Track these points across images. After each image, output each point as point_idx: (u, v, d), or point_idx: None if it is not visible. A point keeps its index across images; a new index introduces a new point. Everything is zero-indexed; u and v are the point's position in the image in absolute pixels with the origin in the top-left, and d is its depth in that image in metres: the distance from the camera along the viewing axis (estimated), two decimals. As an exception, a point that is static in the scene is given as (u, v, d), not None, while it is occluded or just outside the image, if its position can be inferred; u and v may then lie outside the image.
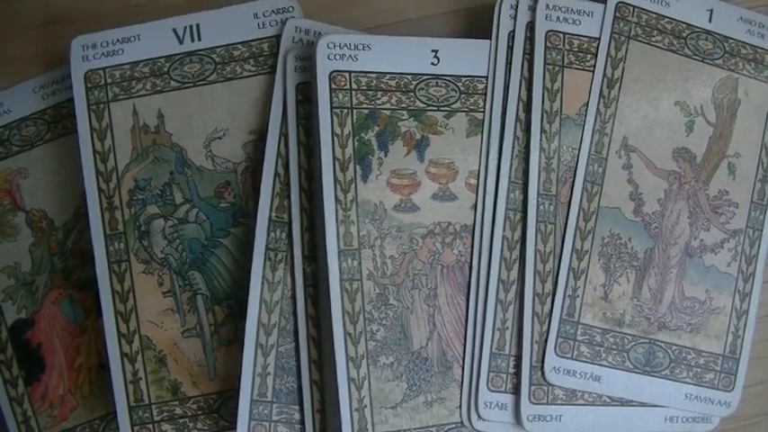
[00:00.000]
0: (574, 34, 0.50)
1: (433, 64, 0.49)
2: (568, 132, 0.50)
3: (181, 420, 0.49)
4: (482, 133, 0.50)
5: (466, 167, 0.49)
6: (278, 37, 0.50)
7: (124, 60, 0.50)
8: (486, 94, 0.50)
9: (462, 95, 0.49)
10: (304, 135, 0.49)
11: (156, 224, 0.50)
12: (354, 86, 0.48)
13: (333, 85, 0.48)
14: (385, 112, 0.49)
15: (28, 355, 0.51)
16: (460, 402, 0.49)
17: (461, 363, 0.49)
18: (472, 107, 0.50)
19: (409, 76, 0.49)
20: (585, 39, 0.51)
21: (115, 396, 0.48)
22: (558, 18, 0.50)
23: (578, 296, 0.50)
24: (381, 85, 0.49)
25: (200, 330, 0.50)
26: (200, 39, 0.50)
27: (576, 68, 0.50)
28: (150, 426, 0.49)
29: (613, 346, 0.50)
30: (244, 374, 0.47)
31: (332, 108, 0.48)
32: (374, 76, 0.49)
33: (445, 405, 0.48)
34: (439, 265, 0.49)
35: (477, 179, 0.49)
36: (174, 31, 0.50)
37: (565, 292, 0.49)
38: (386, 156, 0.48)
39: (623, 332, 0.50)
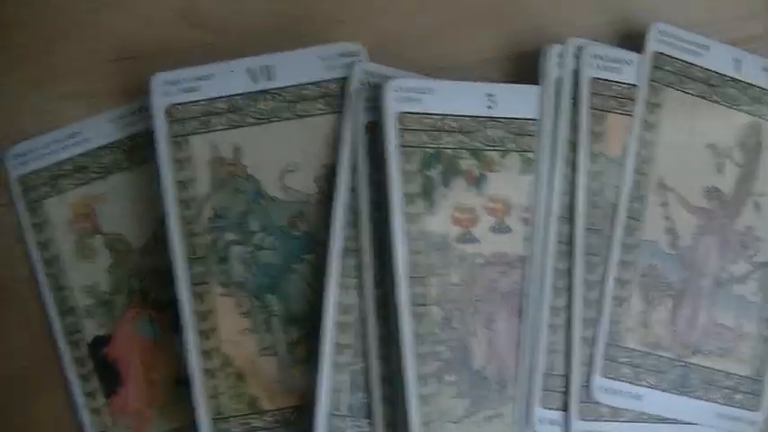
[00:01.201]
0: (615, 81, 0.54)
1: (489, 107, 0.52)
2: (611, 172, 0.54)
3: None
4: (534, 172, 0.53)
5: (519, 203, 0.53)
6: (346, 78, 0.53)
7: (202, 96, 0.52)
8: (536, 136, 0.53)
9: (516, 137, 0.53)
10: (373, 170, 0.52)
11: (234, 250, 0.52)
12: (419, 127, 0.52)
13: (400, 126, 0.51)
14: (447, 151, 0.52)
15: (106, 370, 0.54)
16: (515, 418, 0.52)
17: (517, 382, 0.52)
18: (524, 147, 0.53)
19: (468, 118, 0.52)
20: (626, 85, 0.54)
21: (197, 409, 0.51)
22: (599, 66, 0.54)
23: (621, 322, 0.53)
24: (444, 126, 0.52)
25: (276, 349, 0.52)
26: (273, 78, 0.53)
27: (616, 113, 0.54)
28: (230, 437, 0.52)
29: (652, 368, 0.53)
30: (319, 391, 0.50)
31: (399, 146, 0.51)
32: (437, 117, 0.52)
33: (503, 420, 0.51)
34: (497, 292, 0.52)
35: (530, 214, 0.53)
36: (249, 70, 0.53)
37: (609, 319, 0.53)
38: (449, 191, 0.52)
39: (661, 355, 0.53)
